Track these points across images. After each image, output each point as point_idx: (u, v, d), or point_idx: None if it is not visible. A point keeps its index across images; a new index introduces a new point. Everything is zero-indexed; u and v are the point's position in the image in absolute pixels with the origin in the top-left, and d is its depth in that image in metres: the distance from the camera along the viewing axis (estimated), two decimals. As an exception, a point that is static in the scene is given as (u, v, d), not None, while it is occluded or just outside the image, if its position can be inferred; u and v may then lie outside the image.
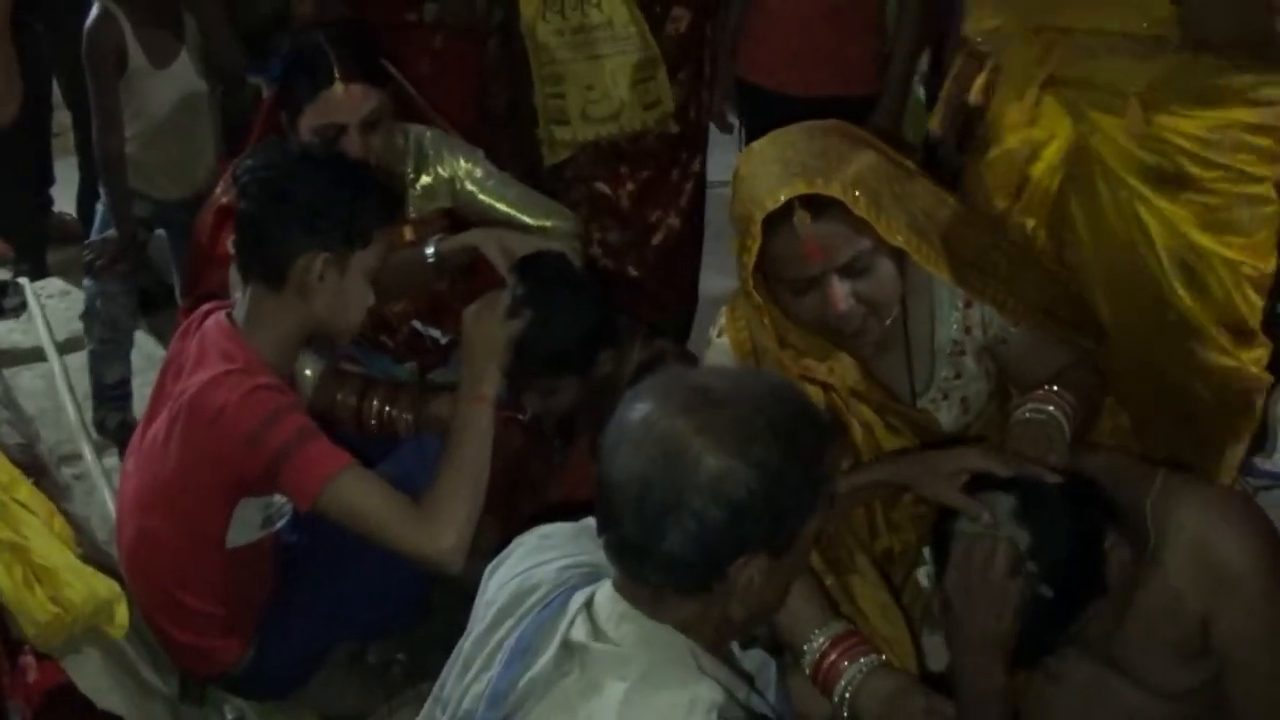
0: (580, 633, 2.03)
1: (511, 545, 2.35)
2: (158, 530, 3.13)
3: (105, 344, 4.71)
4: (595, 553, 2.15)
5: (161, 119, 4.59)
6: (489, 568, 2.35)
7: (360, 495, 2.92)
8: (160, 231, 4.88)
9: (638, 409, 2.00)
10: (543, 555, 2.26)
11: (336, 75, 3.58)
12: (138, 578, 3.19)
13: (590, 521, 2.26)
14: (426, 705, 2.34)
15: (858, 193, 2.60)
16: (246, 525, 3.13)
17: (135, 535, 3.20)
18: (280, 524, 3.24)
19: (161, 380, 3.22)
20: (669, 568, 1.96)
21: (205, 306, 3.21)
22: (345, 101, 3.60)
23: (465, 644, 2.25)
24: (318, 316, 3.08)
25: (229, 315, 3.11)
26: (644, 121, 4.44)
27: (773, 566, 2.00)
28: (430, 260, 3.61)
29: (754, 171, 2.69)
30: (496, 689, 2.09)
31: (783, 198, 2.59)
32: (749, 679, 2.16)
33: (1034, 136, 3.26)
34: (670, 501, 1.92)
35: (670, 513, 1.92)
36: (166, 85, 4.56)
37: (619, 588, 2.06)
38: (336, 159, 3.21)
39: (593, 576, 2.15)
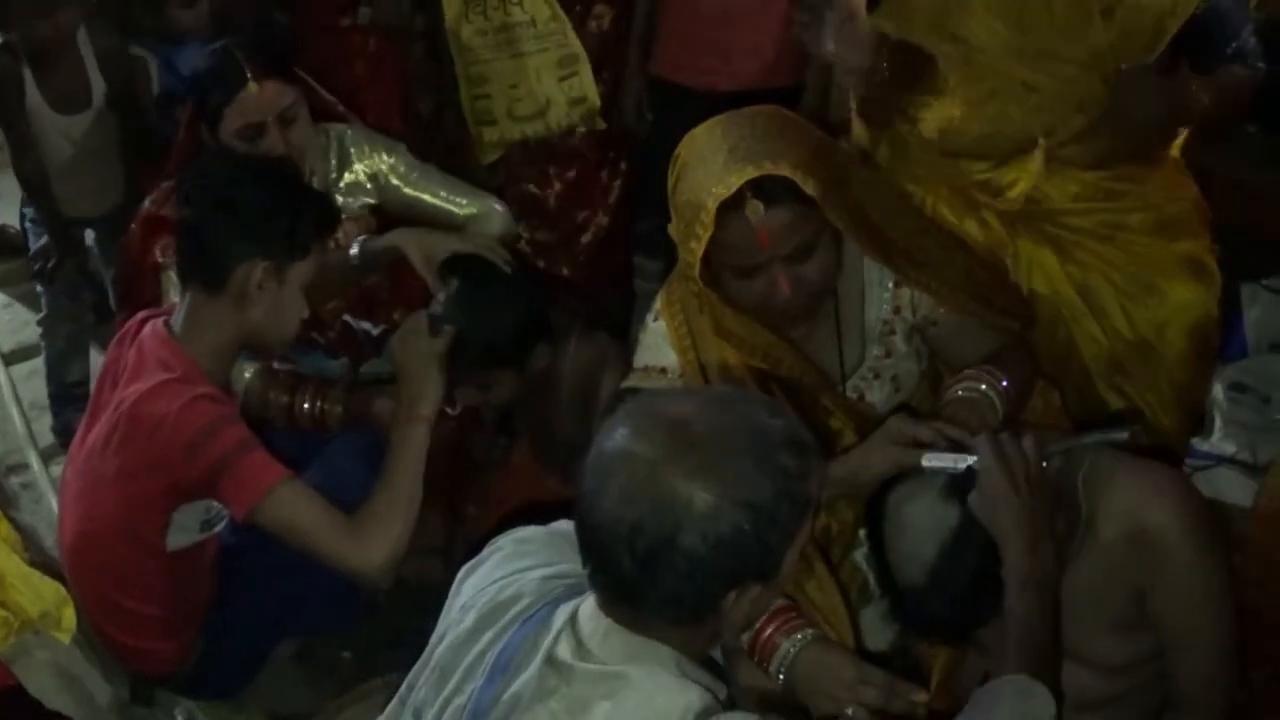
0: (565, 650, 2.02)
1: (487, 549, 2.33)
2: (98, 535, 3.15)
3: (70, 341, 4.71)
4: (575, 561, 2.13)
5: (68, 156, 4.56)
6: (463, 570, 2.33)
7: (295, 509, 2.98)
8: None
9: (618, 444, 1.97)
10: (521, 562, 2.25)
11: (249, 75, 3.60)
12: (79, 581, 3.20)
13: (563, 525, 2.28)
14: (391, 706, 2.32)
15: (805, 173, 2.63)
16: (185, 529, 3.15)
17: (76, 540, 3.22)
18: (220, 527, 3.26)
19: (99, 387, 3.24)
20: (662, 606, 1.96)
21: (142, 314, 3.23)
22: (260, 99, 3.62)
23: (439, 649, 2.22)
24: (254, 324, 3.10)
25: (166, 323, 3.13)
26: (570, 118, 4.44)
27: (763, 591, 2.01)
28: (354, 262, 3.63)
29: (699, 157, 2.71)
30: (479, 703, 2.08)
31: (735, 183, 2.61)
32: (724, 675, 2.16)
33: None
34: (661, 546, 1.90)
35: (662, 557, 1.90)
36: (71, 129, 4.53)
37: (603, 607, 2.03)
38: (279, 171, 3.25)
39: (575, 589, 2.13)
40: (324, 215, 3.21)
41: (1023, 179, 3.34)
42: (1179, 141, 3.42)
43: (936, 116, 3.36)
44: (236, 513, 3.01)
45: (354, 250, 3.61)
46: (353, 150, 3.97)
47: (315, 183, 3.82)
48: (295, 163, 3.65)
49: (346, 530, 2.97)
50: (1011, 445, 2.39)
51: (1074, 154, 3.31)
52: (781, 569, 2.03)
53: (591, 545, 1.99)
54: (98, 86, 4.52)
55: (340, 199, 3.89)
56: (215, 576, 3.35)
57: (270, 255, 3.04)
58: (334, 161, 3.95)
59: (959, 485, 2.47)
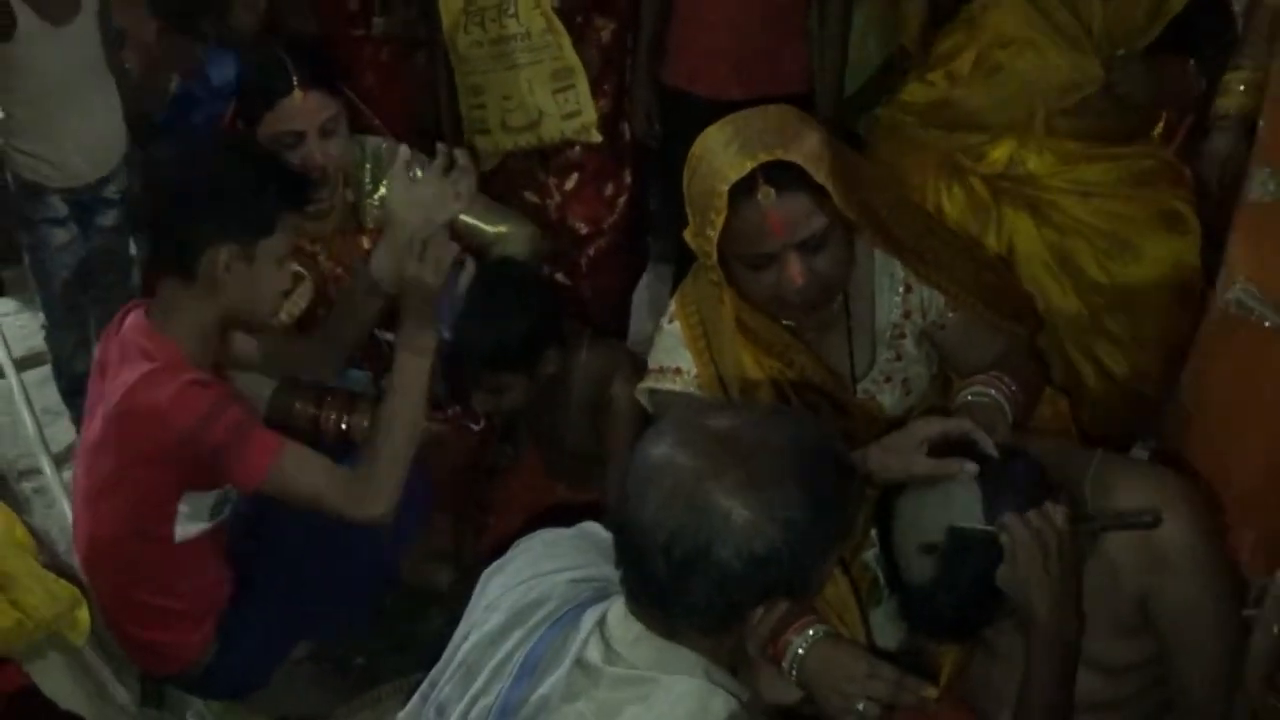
0: (594, 654, 2.04)
1: (513, 549, 2.35)
2: (107, 530, 3.17)
3: (76, 344, 4.66)
4: (602, 566, 2.17)
5: (57, 81, 4.34)
6: (488, 570, 2.34)
7: (298, 477, 3.01)
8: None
9: (663, 451, 2.00)
10: (548, 563, 2.26)
11: (295, 83, 3.60)
12: (95, 578, 3.22)
13: (589, 527, 2.32)
14: (412, 702, 2.34)
15: (816, 162, 2.66)
16: (192, 518, 3.16)
17: (88, 536, 3.23)
18: (227, 511, 3.26)
19: (93, 382, 3.22)
20: (690, 613, 1.98)
21: (127, 305, 3.21)
22: (303, 108, 3.62)
23: (464, 647, 2.23)
24: (231, 305, 3.08)
25: (147, 312, 3.12)
26: (563, 131, 4.42)
27: (791, 607, 2.03)
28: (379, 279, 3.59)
29: (712, 149, 2.74)
30: (506, 703, 2.09)
31: (748, 166, 2.63)
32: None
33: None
34: (697, 556, 1.92)
35: (696, 565, 1.93)
36: (64, 47, 4.31)
37: (632, 610, 2.05)
38: (236, 149, 3.21)
39: (603, 593, 2.15)
40: (288, 187, 3.14)
41: (1004, 145, 3.52)
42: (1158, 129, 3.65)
43: (936, 89, 3.61)
44: (244, 489, 3.06)
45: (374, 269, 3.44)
46: (387, 164, 3.92)
47: (349, 195, 3.85)
48: (327, 171, 3.68)
49: (348, 488, 3.01)
50: (1042, 520, 2.43)
51: (1061, 126, 3.49)
52: (811, 587, 2.06)
53: (627, 548, 2.01)
54: None
55: (373, 211, 3.90)
56: (228, 567, 3.37)
57: (234, 237, 3.00)
58: (368, 174, 3.95)
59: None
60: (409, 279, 3.07)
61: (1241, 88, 3.33)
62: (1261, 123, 3.11)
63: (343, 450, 3.48)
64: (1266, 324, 3.02)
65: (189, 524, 3.15)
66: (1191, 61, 3.44)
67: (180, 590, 3.22)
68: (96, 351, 3.26)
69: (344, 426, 3.59)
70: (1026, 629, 2.45)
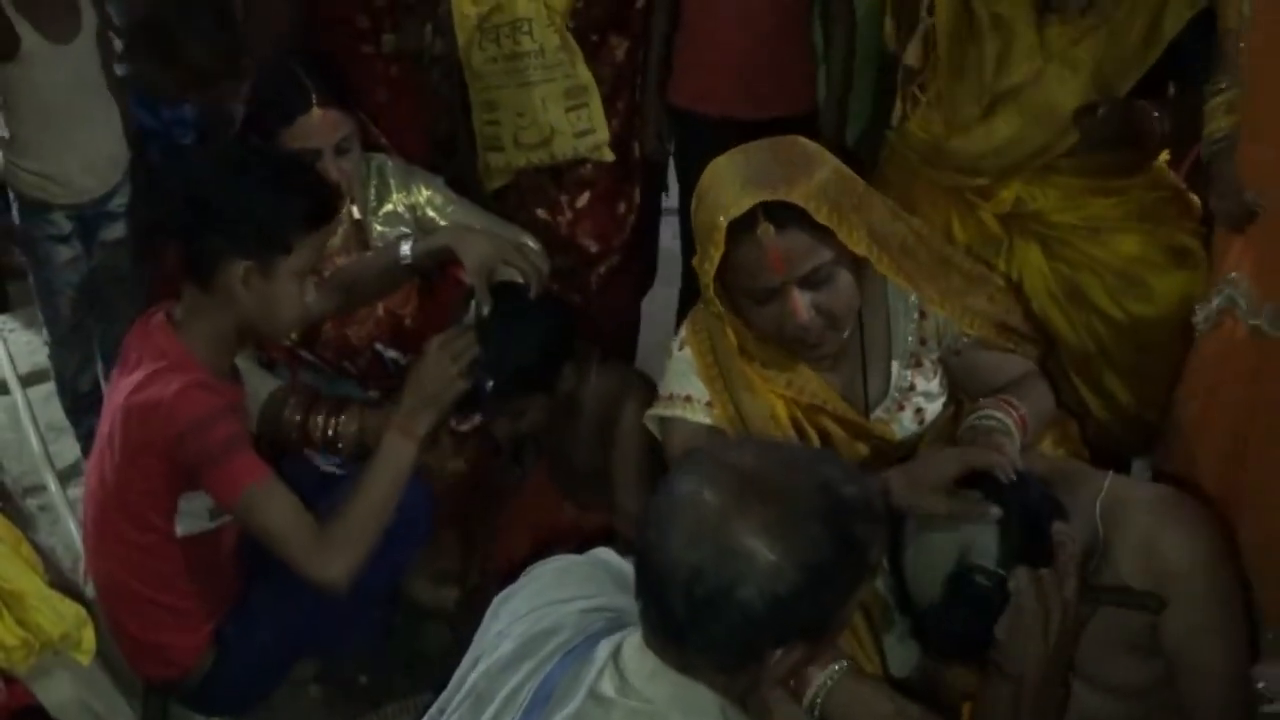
0: (609, 686, 2.02)
1: (524, 576, 2.34)
2: (112, 524, 3.16)
3: (80, 362, 4.66)
4: (615, 595, 2.16)
5: (60, 99, 4.33)
6: (499, 596, 2.33)
7: (268, 512, 2.99)
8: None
9: (689, 488, 1.99)
10: (560, 592, 2.25)
11: (313, 100, 3.62)
12: (101, 574, 3.23)
13: (602, 554, 2.31)
14: None
15: (819, 202, 2.65)
16: (193, 515, 3.15)
17: (96, 532, 3.23)
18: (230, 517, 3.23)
19: (113, 381, 3.23)
20: (708, 650, 1.97)
21: (152, 308, 3.22)
22: (320, 126, 3.65)
23: (473, 674, 2.22)
24: (247, 318, 3.10)
25: (168, 314, 3.14)
26: (575, 149, 4.40)
27: (808, 648, 2.02)
28: (406, 262, 3.57)
29: (718, 182, 2.73)
30: None
31: (747, 204, 2.63)
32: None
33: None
34: (718, 595, 1.91)
35: (717, 604, 1.91)
36: (66, 64, 4.30)
37: (649, 643, 2.03)
38: (261, 164, 3.19)
39: (617, 623, 2.14)
40: (309, 207, 3.12)
41: (1011, 186, 3.52)
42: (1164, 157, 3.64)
43: (934, 131, 3.62)
44: (219, 503, 3.06)
45: (405, 250, 3.52)
46: (392, 181, 3.98)
47: (355, 212, 3.86)
48: (339, 188, 3.65)
49: (312, 543, 2.98)
50: (1053, 588, 2.41)
51: (1062, 164, 3.48)
52: (832, 629, 2.05)
53: (647, 582, 1.99)
54: (88, 14, 4.34)
55: (378, 228, 3.90)
56: (236, 573, 3.36)
57: (250, 255, 3.01)
58: (373, 191, 3.96)
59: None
60: (432, 365, 3.11)
61: (1226, 108, 3.32)
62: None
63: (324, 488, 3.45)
64: (1239, 321, 3.05)
65: (190, 521, 3.15)
66: (1156, 112, 3.44)
67: (181, 588, 3.20)
68: (121, 350, 3.24)
69: (330, 434, 3.56)
70: (1013, 684, 2.45)
